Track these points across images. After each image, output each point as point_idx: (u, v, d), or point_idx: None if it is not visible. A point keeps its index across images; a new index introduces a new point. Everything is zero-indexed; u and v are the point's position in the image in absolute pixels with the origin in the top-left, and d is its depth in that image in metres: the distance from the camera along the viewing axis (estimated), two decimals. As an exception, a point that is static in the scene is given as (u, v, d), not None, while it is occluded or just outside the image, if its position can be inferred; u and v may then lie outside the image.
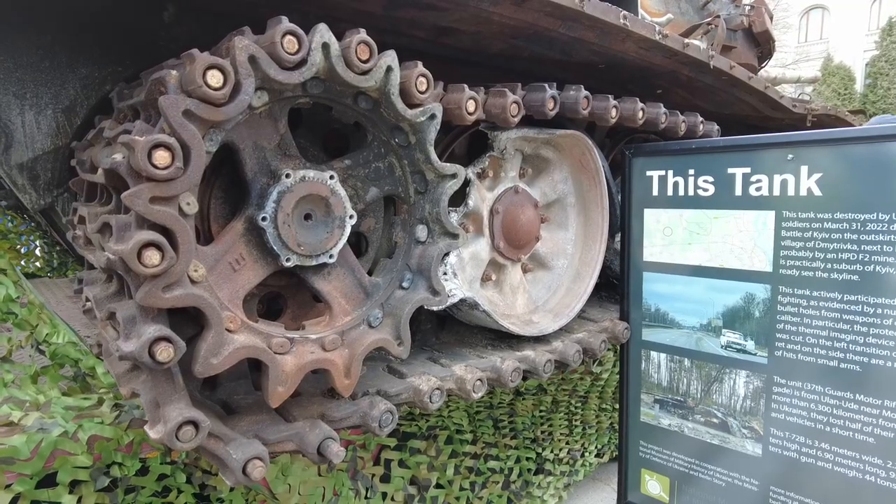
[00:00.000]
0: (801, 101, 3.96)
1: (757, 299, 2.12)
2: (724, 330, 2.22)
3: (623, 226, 2.48)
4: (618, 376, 2.68)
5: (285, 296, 1.68)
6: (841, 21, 27.67)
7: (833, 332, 1.94)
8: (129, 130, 1.24)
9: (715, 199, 2.19)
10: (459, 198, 1.97)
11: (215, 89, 1.15)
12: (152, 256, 1.11)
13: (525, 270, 2.35)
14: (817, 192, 1.95)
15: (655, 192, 2.35)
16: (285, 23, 1.25)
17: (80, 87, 1.70)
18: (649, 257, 2.40)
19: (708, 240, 2.22)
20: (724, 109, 3.68)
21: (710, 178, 2.19)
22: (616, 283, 2.72)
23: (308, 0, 1.71)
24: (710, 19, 2.97)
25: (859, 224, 1.87)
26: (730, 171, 2.14)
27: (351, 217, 1.55)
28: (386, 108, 1.50)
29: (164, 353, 1.14)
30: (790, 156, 1.99)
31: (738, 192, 2.13)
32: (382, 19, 1.95)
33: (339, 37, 1.37)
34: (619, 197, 2.54)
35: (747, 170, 2.10)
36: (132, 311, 1.20)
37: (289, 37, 1.25)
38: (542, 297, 2.37)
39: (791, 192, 2.00)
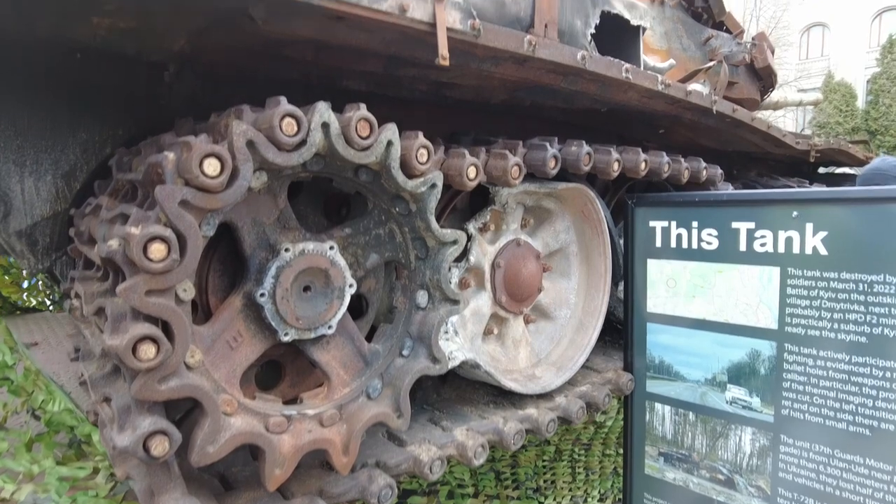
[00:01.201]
0: (803, 136, 3.95)
1: (762, 356, 2.08)
2: (729, 385, 2.18)
3: (626, 275, 2.45)
4: (622, 423, 2.64)
5: (283, 363, 1.65)
6: (841, 38, 27.80)
7: (842, 393, 1.91)
8: (126, 214, 1.23)
9: (719, 253, 2.17)
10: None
11: (212, 177, 1.14)
12: (147, 351, 1.09)
13: (527, 321, 2.32)
14: (823, 250, 1.92)
15: (659, 242, 2.33)
16: (284, 104, 1.24)
17: (80, 151, 1.69)
18: (653, 308, 2.37)
19: (712, 293, 2.20)
20: (728, 146, 3.67)
21: (714, 232, 2.17)
22: (620, 328, 2.69)
23: (308, 62, 1.72)
24: (712, 63, 2.96)
25: (866, 285, 1.84)
26: (734, 225, 2.12)
27: (351, 286, 1.53)
28: (386, 180, 1.48)
29: (160, 447, 1.12)
30: (795, 213, 1.97)
31: (743, 246, 2.10)
32: (384, 77, 1.96)
33: (338, 95, 1.36)
34: (622, 243, 2.52)
35: (751, 225, 2.08)
36: (127, 401, 1.18)
37: (288, 119, 1.24)
38: (544, 350, 2.34)
39: (796, 249, 1.98)
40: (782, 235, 2.01)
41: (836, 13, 27.82)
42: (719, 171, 2.80)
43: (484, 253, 2.08)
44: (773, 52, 4.32)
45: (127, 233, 1.09)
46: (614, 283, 2.51)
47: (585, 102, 2.38)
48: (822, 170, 5.94)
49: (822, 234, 1.92)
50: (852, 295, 1.87)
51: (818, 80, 27.05)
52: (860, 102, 26.27)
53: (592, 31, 2.00)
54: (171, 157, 1.18)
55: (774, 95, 7.95)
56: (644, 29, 2.27)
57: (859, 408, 1.87)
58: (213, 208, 1.17)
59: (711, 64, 2.94)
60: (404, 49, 1.56)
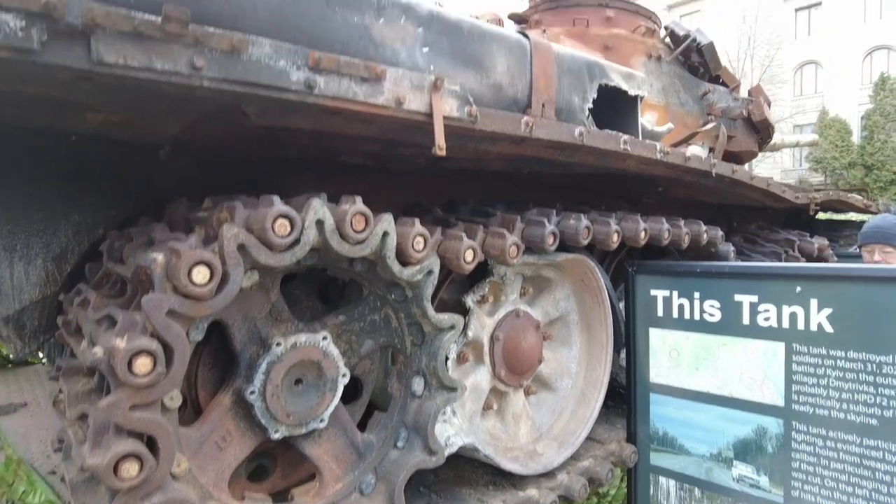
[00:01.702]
0: (803, 189, 3.95)
1: (770, 433, 2.02)
2: (735, 462, 2.12)
3: (628, 343, 2.41)
4: (625, 491, 2.56)
5: (273, 454, 1.60)
6: (834, 76, 28.27)
7: (854, 476, 1.84)
8: (114, 318, 1.19)
9: (722, 325, 2.12)
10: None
11: (202, 286, 1.11)
12: (130, 469, 1.05)
13: (528, 392, 2.27)
14: (828, 328, 1.88)
15: (660, 312, 2.29)
16: (277, 205, 1.22)
17: (73, 233, 1.67)
18: (656, 378, 2.32)
19: (716, 366, 2.15)
20: (728, 201, 3.66)
21: (717, 304, 2.13)
22: (622, 393, 2.63)
23: (305, 145, 1.71)
24: (710, 126, 2.98)
25: (875, 366, 1.79)
26: (737, 297, 2.08)
27: (344, 376, 1.49)
28: (382, 269, 1.46)
29: (138, 572, 1.06)
30: (798, 288, 1.94)
31: (746, 320, 2.06)
32: (381, 153, 1.95)
33: (335, 170, 1.34)
34: (623, 307, 2.48)
35: (754, 298, 2.04)
36: (107, 517, 1.12)
37: (281, 220, 1.21)
38: (546, 423, 2.28)
39: (801, 325, 1.94)
40: (786, 310, 1.97)
41: (828, 52, 28.37)
42: (720, 232, 2.77)
43: (482, 326, 2.04)
44: (769, 105, 4.36)
45: (112, 346, 1.05)
46: (616, 350, 2.46)
47: (584, 170, 2.37)
48: (821, 216, 5.94)
49: (827, 310, 1.88)
50: (861, 375, 1.82)
51: (813, 115, 27.41)
52: (855, 138, 26.57)
53: (590, 105, 2.00)
54: (159, 261, 1.15)
55: (773, 136, 8.04)
56: (642, 98, 2.28)
57: (873, 493, 1.81)
58: (202, 315, 1.14)
59: (709, 126, 2.95)
60: (401, 135, 1.55)
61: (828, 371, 1.88)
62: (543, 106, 1.81)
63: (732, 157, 4.14)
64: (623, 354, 2.49)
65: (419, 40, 1.48)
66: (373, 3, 1.38)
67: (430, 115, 1.45)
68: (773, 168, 25.39)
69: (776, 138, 8.43)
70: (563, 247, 2.19)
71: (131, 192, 1.76)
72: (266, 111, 1.29)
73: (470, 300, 1.99)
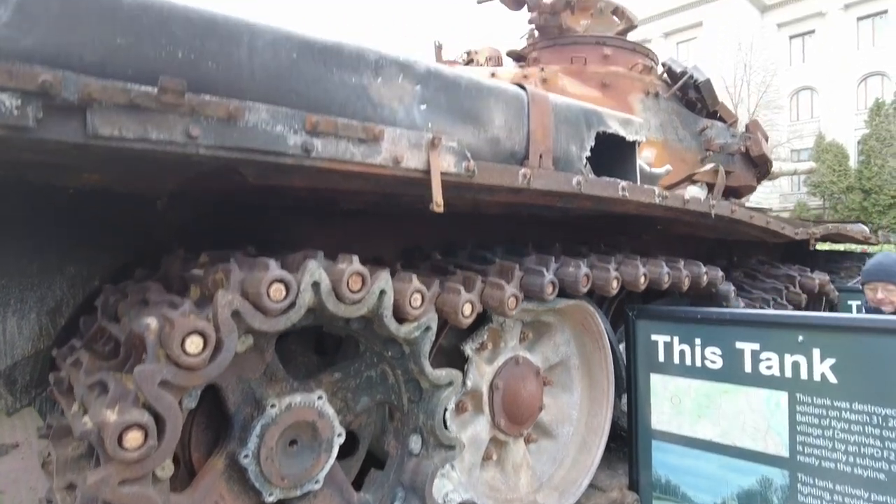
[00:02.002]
0: (803, 224, 3.95)
1: (775, 485, 1.98)
2: (741, 513, 2.07)
3: (629, 388, 2.37)
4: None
5: (269, 514, 1.55)
6: (829, 101, 28.55)
7: (862, 533, 1.80)
8: (105, 385, 1.17)
9: (724, 373, 2.10)
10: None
11: (195, 355, 1.09)
12: (116, 548, 1.01)
13: (528, 440, 2.23)
14: (832, 378, 1.85)
15: (661, 357, 2.26)
16: (273, 269, 1.21)
17: (68, 286, 1.66)
18: (658, 425, 2.28)
19: (718, 414, 2.11)
20: (727, 237, 3.66)
21: (718, 351, 2.11)
22: (624, 436, 2.59)
23: (303, 197, 1.70)
24: (708, 167, 2.98)
25: (880, 418, 1.76)
26: (738, 345, 2.06)
27: (339, 435, 1.46)
28: (378, 327, 1.44)
29: None
30: (800, 338, 1.92)
31: (748, 368, 2.04)
32: (382, 203, 1.94)
33: (334, 216, 1.33)
34: (623, 347, 2.46)
35: (756, 346, 2.02)
36: None
37: (276, 285, 1.20)
38: (546, 472, 2.23)
39: (804, 375, 1.91)
40: (789, 359, 1.95)
41: (823, 77, 28.70)
42: (720, 273, 2.76)
43: (481, 374, 2.01)
44: (767, 140, 4.39)
45: (102, 420, 1.03)
46: (618, 395, 2.43)
47: (584, 212, 2.37)
48: (821, 246, 5.94)
49: (830, 360, 1.86)
50: (867, 428, 1.79)
51: (810, 140, 27.61)
52: (852, 162, 26.71)
53: (588, 153, 2.01)
54: (153, 328, 1.13)
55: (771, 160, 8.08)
56: (639, 142, 2.28)
57: (883, 551, 1.76)
58: (195, 384, 1.12)
59: (708, 167, 2.95)
60: (400, 189, 1.55)
61: (833, 422, 1.85)
62: (541, 156, 1.81)
63: (731, 191, 4.15)
64: (625, 399, 2.45)
65: (417, 98, 1.48)
66: (370, 63, 1.39)
67: (427, 172, 1.45)
68: (771, 192, 25.48)
69: (775, 167, 8.48)
70: (563, 292, 2.18)
71: (128, 242, 1.76)
72: (262, 173, 1.29)
73: (469, 348, 1.97)
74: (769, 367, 1.99)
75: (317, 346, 1.69)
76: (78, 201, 1.60)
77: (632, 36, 4.42)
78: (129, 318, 1.31)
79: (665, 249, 3.38)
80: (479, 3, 3.96)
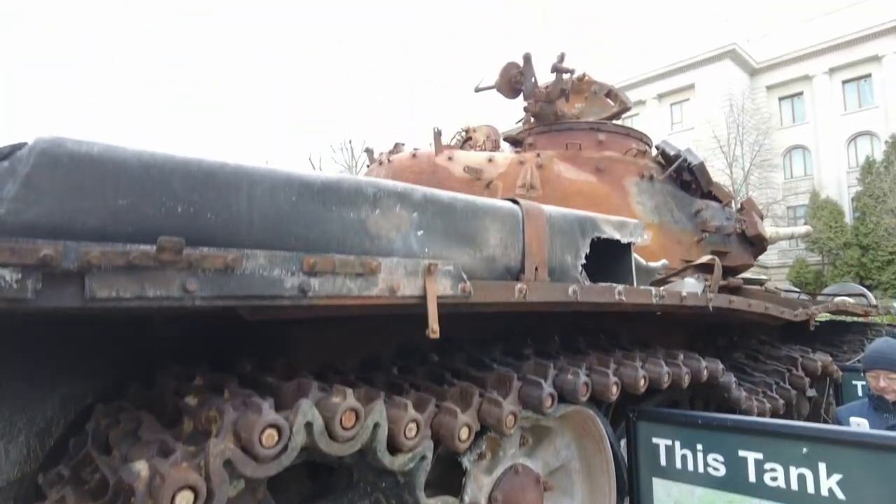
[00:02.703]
0: (803, 304, 3.95)
1: None
2: None
3: (631, 492, 2.31)
4: None
5: None
6: (822, 159, 29.12)
7: None
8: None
9: (727, 481, 2.04)
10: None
11: (184, 513, 1.06)
12: None
13: (528, 551, 2.14)
14: (840, 494, 1.80)
15: (663, 461, 2.21)
16: (266, 414, 1.19)
17: (59, 406, 1.63)
18: (662, 534, 2.20)
19: (725, 525, 2.05)
20: (726, 321, 3.65)
21: (720, 458, 2.06)
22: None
23: (301, 318, 1.70)
24: (704, 259, 3.01)
25: (894, 543, 1.70)
26: (741, 453, 2.02)
27: (333, 571, 1.40)
28: (372, 459, 1.41)
29: None
30: (805, 449, 1.88)
31: (752, 477, 1.98)
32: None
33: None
34: (624, 443, 2.40)
35: (759, 455, 1.97)
36: None
37: (269, 430, 1.18)
38: (547, 588, 2.14)
39: (811, 489, 1.86)
40: (794, 471, 1.90)
41: (814, 137, 29.39)
42: (720, 366, 2.74)
43: (480, 487, 1.96)
44: (762, 218, 4.45)
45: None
46: (620, 498, 2.36)
47: (581, 311, 2.37)
48: (823, 316, 5.92)
49: (837, 476, 1.81)
50: (878, 550, 1.73)
51: (805, 197, 28.00)
52: (848, 219, 26.99)
53: (583, 261, 2.03)
54: (143, 478, 1.11)
55: (767, 231, 8.16)
56: (634, 243, 2.31)
57: None
58: (182, 543, 1.08)
59: (704, 259, 2.98)
60: (396, 312, 1.55)
61: (843, 542, 1.79)
62: (536, 269, 1.82)
63: (729, 270, 4.17)
64: (628, 500, 2.38)
65: (414, 225, 1.51)
66: (369, 196, 1.42)
67: (424, 297, 1.46)
68: (770, 249, 25.60)
69: (771, 231, 8.55)
70: (562, 397, 2.15)
71: (123, 358, 1.75)
72: (259, 312, 1.30)
73: (466, 460, 1.92)
74: (774, 479, 1.94)
75: (311, 471, 1.65)
76: (72, 323, 1.60)
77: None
78: (120, 452, 1.29)
79: (665, 332, 3.37)
80: (476, 91, 4.10)
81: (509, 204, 1.81)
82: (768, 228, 8.85)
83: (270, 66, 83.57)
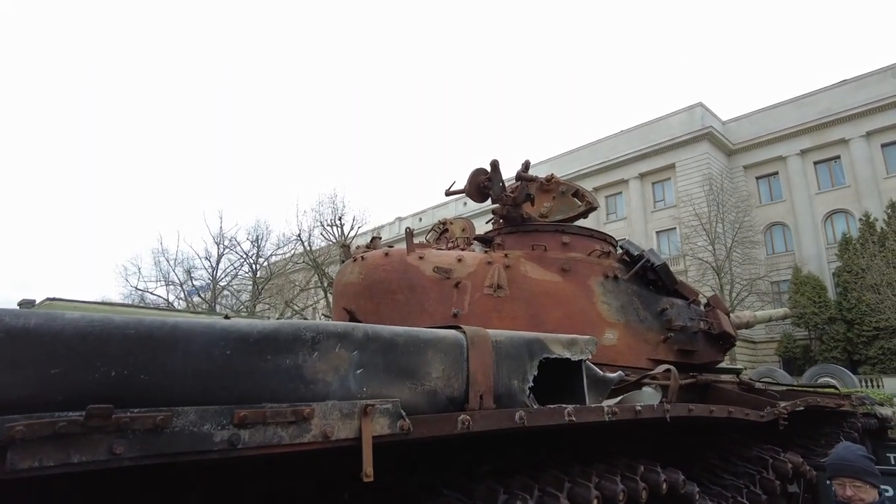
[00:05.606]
0: (771, 402, 3.96)
1: None
2: None
3: None
4: None
5: None
6: (801, 236, 29.83)
7: None
8: None
9: None
10: None
11: None
12: None
13: None
14: None
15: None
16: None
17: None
18: None
19: None
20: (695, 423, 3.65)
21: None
22: None
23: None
24: (661, 369, 3.07)
25: None
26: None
27: None
28: None
29: None
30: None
31: None
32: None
33: None
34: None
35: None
36: None
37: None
38: None
39: None
40: None
41: (791, 215, 30.25)
42: (680, 477, 2.73)
43: None
44: (728, 315, 4.54)
45: None
46: None
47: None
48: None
49: None
50: None
51: (787, 272, 28.41)
52: (831, 294, 27.30)
53: (531, 384, 2.07)
54: None
55: (744, 315, 8.25)
56: (585, 360, 2.37)
57: None
58: None
59: (660, 370, 3.03)
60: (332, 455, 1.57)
61: None
62: (481, 398, 1.86)
63: (697, 367, 4.21)
64: None
65: (353, 364, 1.56)
66: (307, 341, 1.48)
67: (359, 439, 1.49)
68: (758, 326, 25.64)
69: (748, 315, 8.62)
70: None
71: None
72: (188, 464, 1.32)
73: None
74: None
75: None
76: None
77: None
78: None
79: (630, 438, 3.36)
80: (447, 195, 4.28)
81: (454, 333, 1.88)
82: (745, 313, 8.93)
83: (269, 142, 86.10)
